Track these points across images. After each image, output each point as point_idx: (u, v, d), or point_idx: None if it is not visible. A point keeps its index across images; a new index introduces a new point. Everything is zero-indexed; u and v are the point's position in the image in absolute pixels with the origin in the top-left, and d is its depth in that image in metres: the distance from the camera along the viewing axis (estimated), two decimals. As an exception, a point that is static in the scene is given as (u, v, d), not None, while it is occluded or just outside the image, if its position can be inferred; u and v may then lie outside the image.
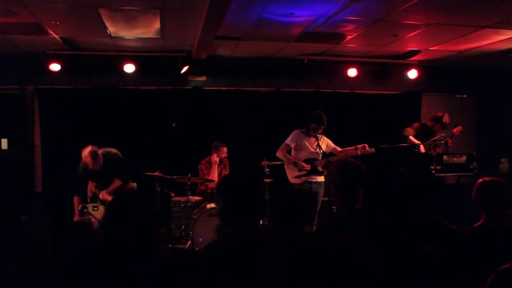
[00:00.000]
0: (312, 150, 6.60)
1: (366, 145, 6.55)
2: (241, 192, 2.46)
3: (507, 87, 8.82)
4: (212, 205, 6.52)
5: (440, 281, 2.34)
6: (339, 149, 6.74)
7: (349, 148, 6.63)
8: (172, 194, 6.93)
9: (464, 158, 7.05)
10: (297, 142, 6.58)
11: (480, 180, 3.36)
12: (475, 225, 3.30)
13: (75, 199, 6.27)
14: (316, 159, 6.58)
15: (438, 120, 7.43)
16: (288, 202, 2.84)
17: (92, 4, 5.31)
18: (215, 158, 7.19)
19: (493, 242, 3.09)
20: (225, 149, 7.30)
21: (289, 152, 6.68)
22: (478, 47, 7.38)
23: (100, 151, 6.09)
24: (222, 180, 2.70)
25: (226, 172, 7.47)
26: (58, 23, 6.07)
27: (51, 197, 7.73)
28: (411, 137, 7.39)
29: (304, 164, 6.51)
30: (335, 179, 3.22)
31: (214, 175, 7.15)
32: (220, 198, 2.50)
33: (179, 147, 7.99)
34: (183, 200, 6.63)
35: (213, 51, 7.69)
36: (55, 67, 7.60)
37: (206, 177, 7.12)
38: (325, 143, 6.67)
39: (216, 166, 7.20)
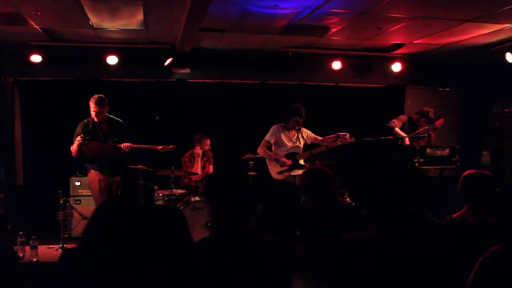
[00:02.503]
0: (292, 144, 6.60)
1: (347, 134, 6.57)
2: (230, 191, 2.45)
3: (490, 81, 8.90)
4: (197, 198, 6.50)
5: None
6: (319, 138, 6.74)
7: (330, 136, 6.64)
8: (156, 187, 6.88)
9: (447, 151, 7.12)
10: (276, 137, 6.57)
11: (465, 172, 3.38)
12: (454, 216, 3.33)
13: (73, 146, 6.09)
14: (297, 153, 6.59)
15: (424, 114, 7.49)
16: (279, 197, 2.86)
17: (74, -6, 5.23)
18: (198, 150, 7.15)
19: (469, 234, 3.12)
20: (208, 141, 7.26)
21: (270, 148, 6.67)
22: (461, 40, 7.43)
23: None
24: (209, 182, 2.67)
25: (209, 165, 7.44)
26: (39, 13, 5.95)
27: (33, 191, 7.63)
28: (397, 129, 7.43)
29: (286, 160, 6.51)
30: (303, 186, 3.60)
31: (198, 168, 7.12)
32: (209, 201, 2.49)
33: (162, 140, 7.91)
34: (166, 193, 6.59)
35: (197, 43, 7.62)
36: (36, 58, 7.49)
37: (189, 170, 7.09)
38: (306, 134, 6.66)
39: (200, 159, 7.17)
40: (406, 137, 7.31)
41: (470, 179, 3.31)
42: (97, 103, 6.01)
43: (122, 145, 6.03)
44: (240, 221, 2.39)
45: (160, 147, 6.35)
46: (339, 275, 1.41)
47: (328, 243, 1.57)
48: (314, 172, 3.73)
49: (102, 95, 6.09)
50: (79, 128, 6.11)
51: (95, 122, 6.12)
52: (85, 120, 6.15)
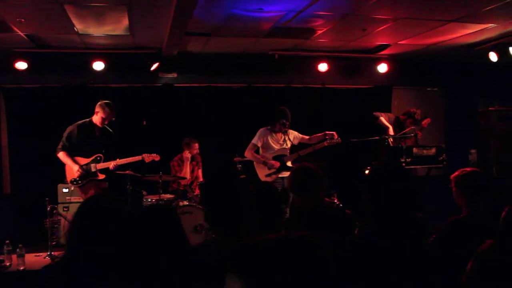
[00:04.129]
0: (279, 146, 6.65)
1: (335, 134, 6.60)
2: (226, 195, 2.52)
3: (475, 80, 8.98)
4: (185, 202, 6.49)
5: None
6: (306, 137, 6.80)
7: (317, 134, 6.69)
8: (144, 193, 6.85)
9: (433, 150, 7.16)
10: (263, 140, 6.61)
11: (460, 171, 3.41)
12: (456, 217, 3.34)
13: (62, 154, 6.08)
14: (285, 155, 6.62)
15: (411, 115, 7.54)
16: (259, 199, 2.88)
17: (57, 0, 5.19)
18: (187, 154, 7.15)
19: (469, 230, 3.15)
20: (196, 145, 7.26)
21: (257, 151, 6.70)
22: (445, 40, 7.49)
23: None
24: (204, 188, 2.78)
25: (198, 169, 7.43)
26: (23, 20, 5.92)
27: (20, 199, 7.57)
28: (382, 118, 7.48)
29: (274, 162, 6.55)
30: (293, 184, 3.61)
31: (186, 172, 7.11)
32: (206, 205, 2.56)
33: (150, 145, 7.88)
34: (155, 198, 6.56)
35: (183, 47, 7.61)
36: (21, 65, 7.44)
37: (178, 174, 7.08)
38: (293, 135, 6.71)
39: (188, 163, 7.17)
40: (389, 127, 7.37)
41: (470, 176, 3.35)
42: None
43: (110, 166, 6.06)
44: (233, 222, 2.44)
45: (146, 159, 6.29)
46: (274, 275, 1.41)
47: (262, 242, 1.58)
48: (302, 170, 3.74)
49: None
50: (73, 129, 6.11)
51: (94, 126, 6.13)
52: (80, 122, 6.15)
